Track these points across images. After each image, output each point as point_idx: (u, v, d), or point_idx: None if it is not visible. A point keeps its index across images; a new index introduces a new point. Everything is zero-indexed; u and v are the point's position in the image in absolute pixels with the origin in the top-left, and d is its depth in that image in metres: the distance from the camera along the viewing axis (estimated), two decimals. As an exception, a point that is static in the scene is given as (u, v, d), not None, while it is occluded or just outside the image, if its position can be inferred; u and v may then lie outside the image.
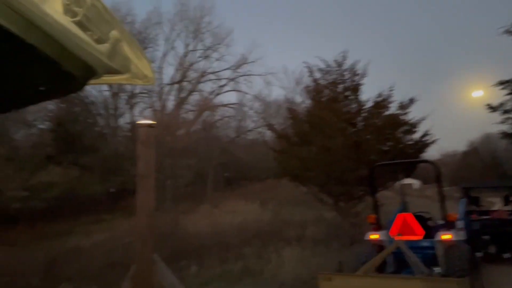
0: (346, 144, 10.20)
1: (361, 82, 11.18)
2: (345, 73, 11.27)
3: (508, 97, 7.38)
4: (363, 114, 11.17)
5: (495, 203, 11.40)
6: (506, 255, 8.82)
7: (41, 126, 21.31)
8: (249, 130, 28.03)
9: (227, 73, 28.72)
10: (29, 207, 16.76)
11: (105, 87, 25.01)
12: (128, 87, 25.31)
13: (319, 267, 6.92)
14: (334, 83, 11.28)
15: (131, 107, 25.81)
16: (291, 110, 12.28)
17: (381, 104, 10.94)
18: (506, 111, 7.63)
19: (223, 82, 28.49)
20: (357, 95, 11.18)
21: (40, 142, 18.87)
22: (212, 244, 10.86)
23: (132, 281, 3.23)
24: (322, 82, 11.60)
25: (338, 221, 12.08)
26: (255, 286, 6.65)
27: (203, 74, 27.96)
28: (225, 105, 27.82)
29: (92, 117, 24.51)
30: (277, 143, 13.05)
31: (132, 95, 25.67)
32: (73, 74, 0.93)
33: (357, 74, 11.15)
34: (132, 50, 1.03)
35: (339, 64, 11.29)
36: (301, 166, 10.91)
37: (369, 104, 11.22)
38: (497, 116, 7.99)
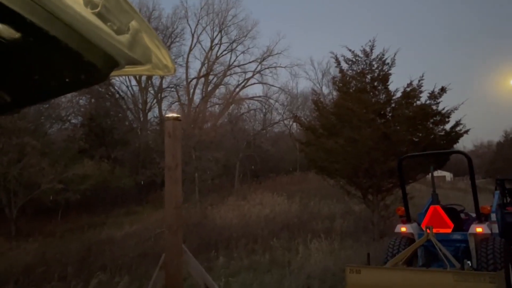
0: (374, 135, 10.00)
1: (389, 71, 10.90)
2: (373, 62, 11.01)
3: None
4: (392, 105, 10.90)
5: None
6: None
7: (74, 121, 22.05)
8: (275, 123, 28.00)
9: (253, 66, 28.74)
10: (64, 199, 17.44)
11: (134, 82, 25.59)
12: (156, 82, 25.79)
13: (347, 260, 6.88)
14: (361, 74, 11.06)
15: (159, 101, 26.28)
16: (318, 102, 12.14)
17: (411, 94, 10.63)
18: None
19: (248, 75, 28.53)
20: (386, 85, 10.91)
21: (73, 136, 19.54)
22: (240, 236, 10.99)
23: (162, 270, 3.31)
24: (349, 72, 11.40)
25: (366, 214, 11.93)
26: (283, 277, 6.68)
27: (229, 67, 28.07)
28: (251, 98, 27.87)
29: (122, 112, 25.15)
30: (303, 135, 12.96)
31: (160, 90, 26.12)
32: (95, 65, 0.96)
33: (386, 64, 10.87)
34: (152, 41, 1.05)
35: (367, 54, 11.04)
36: (328, 158, 10.80)
37: (399, 94, 10.95)
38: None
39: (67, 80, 1.05)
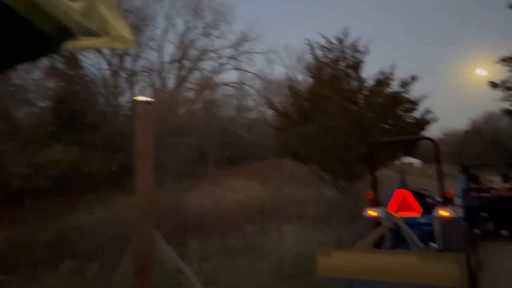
0: (347, 122, 10.19)
1: (362, 59, 11.07)
2: (346, 50, 11.15)
3: (511, 73, 7.33)
4: (365, 92, 11.11)
5: (495, 181, 11.44)
6: (504, 232, 8.93)
7: (42, 105, 21.29)
8: (250, 109, 27.98)
9: (228, 51, 28.44)
10: (32, 184, 16.93)
11: (104, 65, 24.86)
12: (128, 65, 25.15)
13: (319, 244, 7.03)
14: (335, 61, 11.18)
15: (131, 85, 25.69)
16: (292, 88, 12.22)
17: (382, 82, 10.86)
18: (508, 88, 7.59)
19: (223, 60, 28.25)
20: (358, 73, 11.10)
21: (41, 120, 18.89)
22: (213, 221, 11.02)
23: (132, 256, 3.29)
24: (323, 59, 11.50)
25: (338, 199, 12.20)
26: (256, 261, 6.77)
27: (204, 52, 27.69)
28: (226, 84, 27.69)
29: (93, 96, 24.45)
30: (278, 122, 13.03)
31: (132, 74, 25.51)
32: (47, 34, 0.91)
33: (359, 52, 11.03)
34: (109, 10, 0.99)
35: (341, 41, 11.16)
36: (302, 144, 10.93)
37: (371, 82, 11.15)
38: (499, 94, 7.95)
39: (16, 50, 0.99)
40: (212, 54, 28.08)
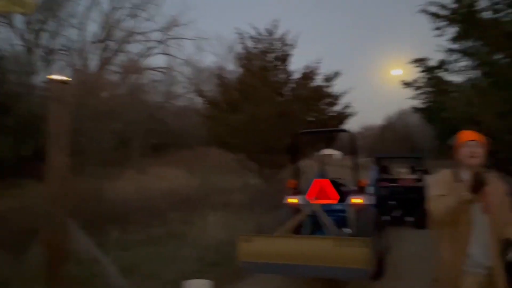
0: (274, 113, 10.45)
1: (290, 52, 11.38)
2: (275, 42, 11.38)
3: (421, 74, 8.09)
4: (291, 85, 11.46)
5: (403, 172, 12.55)
6: (409, 219, 9.86)
7: None
8: (179, 96, 27.37)
9: (157, 35, 27.42)
10: None
11: (17, 41, 22.61)
12: (44, 42, 23.11)
13: (242, 231, 7.16)
14: (264, 52, 11.37)
15: (48, 64, 23.70)
16: (222, 77, 12.20)
17: (308, 75, 11.29)
18: (418, 87, 8.36)
19: (151, 44, 27.20)
20: (286, 65, 11.41)
21: None
22: (136, 210, 10.67)
23: (42, 246, 3.10)
24: (253, 50, 11.62)
25: (262, 188, 12.52)
26: (179, 249, 6.73)
27: (130, 34, 26.39)
28: (153, 69, 26.72)
29: (3, 74, 22.14)
30: (207, 110, 12.95)
31: (50, 52, 23.53)
32: None
33: (287, 45, 11.32)
34: None
35: (270, 33, 11.36)
36: (230, 134, 11.01)
37: (297, 75, 11.53)
38: (410, 92, 8.72)
39: None
40: (139, 37, 26.88)
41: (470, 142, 2.64)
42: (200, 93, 13.87)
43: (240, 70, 12.25)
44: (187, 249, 6.70)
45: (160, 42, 27.17)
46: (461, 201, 2.46)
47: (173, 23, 27.13)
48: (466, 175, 2.58)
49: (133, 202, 11.80)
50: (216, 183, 15.15)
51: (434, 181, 2.77)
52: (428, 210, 2.65)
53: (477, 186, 2.45)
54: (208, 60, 57.31)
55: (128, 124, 19.87)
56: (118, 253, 6.36)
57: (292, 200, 5.98)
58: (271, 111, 10.42)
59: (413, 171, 11.06)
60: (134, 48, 27.06)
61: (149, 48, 27.03)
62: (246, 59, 11.62)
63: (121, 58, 25.88)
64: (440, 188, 2.63)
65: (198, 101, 18.15)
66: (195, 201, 11.29)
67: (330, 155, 41.24)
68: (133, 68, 24.64)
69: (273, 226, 5.72)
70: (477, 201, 2.50)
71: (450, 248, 2.63)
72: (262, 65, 11.25)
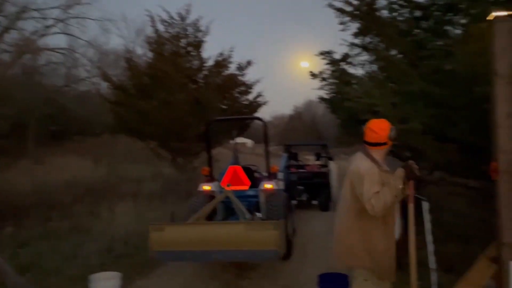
0: (187, 100, 10.27)
1: (203, 39, 11.24)
2: (188, 28, 11.13)
3: (327, 66, 8.58)
4: (204, 72, 11.35)
5: (310, 160, 13.30)
6: (315, 202, 10.52)
7: None
8: (82, 80, 25.36)
9: (56, 13, 24.96)
10: None
11: None
12: None
13: (154, 221, 6.97)
14: (176, 37, 11.06)
15: None
16: (130, 61, 11.59)
17: (221, 63, 11.27)
18: (324, 79, 8.86)
19: (49, 22, 24.69)
20: (199, 52, 11.25)
21: None
22: (34, 203, 9.74)
23: None
24: (164, 34, 11.23)
25: (175, 176, 12.29)
26: (84, 243, 6.32)
27: (24, 9, 23.64)
28: (51, 49, 24.31)
29: None
30: (114, 95, 12.22)
31: None
32: None
33: (200, 31, 11.15)
34: None
35: (182, 18, 11.07)
36: (140, 120, 10.55)
37: (211, 62, 11.44)
38: (317, 83, 9.20)
39: None
40: (35, 14, 24.21)
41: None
42: (105, 77, 13.03)
43: (151, 54, 11.76)
44: (93, 242, 6.32)
45: (59, 20, 24.76)
46: (398, 194, 2.68)
47: (74, 1, 24.88)
48: (384, 165, 2.85)
49: (30, 195, 10.74)
50: (125, 172, 14.47)
51: (367, 175, 2.75)
52: (369, 207, 2.66)
53: (410, 177, 2.72)
54: (114, 42, 53.89)
55: (23, 109, 17.91)
56: (13, 250, 5.78)
57: (206, 187, 5.97)
58: (184, 98, 10.22)
59: (318, 158, 11.77)
60: (28, 25, 24.32)
61: (47, 27, 24.49)
62: (157, 43, 11.19)
63: (13, 35, 23.06)
64: (375, 182, 2.70)
65: (104, 85, 17.07)
66: (102, 192, 10.66)
67: (243, 143, 42.07)
68: (28, 47, 22.16)
69: (187, 214, 5.66)
70: (406, 192, 2.76)
71: (382, 238, 2.82)
72: (174, 50, 10.94)
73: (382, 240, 2.80)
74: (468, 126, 4.03)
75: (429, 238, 4.59)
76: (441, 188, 8.25)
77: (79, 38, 25.39)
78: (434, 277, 4.39)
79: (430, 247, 4.59)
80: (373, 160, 2.87)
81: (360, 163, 2.85)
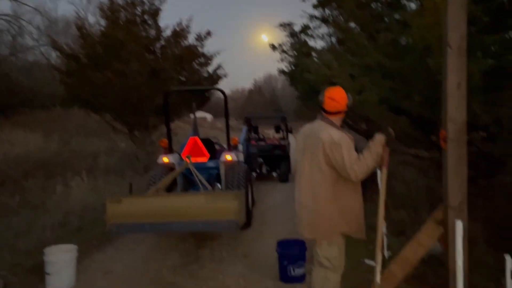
0: (144, 71, 9.90)
1: (160, 7, 10.79)
2: (143, -6, 10.62)
3: (287, 38, 8.58)
4: (162, 42, 10.96)
5: (270, 133, 13.42)
6: (274, 174, 10.70)
7: None
8: (29, 48, 23.77)
9: (-3, -26, 22.96)
10: None
11: None
12: None
13: (111, 195, 6.82)
14: (132, 4, 10.53)
15: None
16: (82, 28, 10.93)
17: (180, 33, 10.92)
18: (284, 51, 8.87)
19: (-9, -16, 22.71)
20: (156, 21, 10.81)
21: None
22: (-22, 179, 9.20)
23: None
24: (119, 1, 10.66)
25: (133, 150, 11.99)
26: (37, 218, 6.08)
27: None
28: (-6, 15, 22.51)
29: None
30: (65, 65, 11.55)
31: None
32: None
33: (157, -2, 10.68)
34: None
35: (138, -16, 10.54)
36: (93, 92, 10.09)
37: (168, 32, 11.06)
38: (277, 56, 9.20)
39: None
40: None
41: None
42: (55, 45, 12.26)
43: (104, 22, 11.14)
44: (47, 217, 6.10)
45: (1, -18, 22.82)
46: (377, 159, 2.80)
47: (18, -38, 22.97)
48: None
49: (-26, 171, 10.12)
50: (79, 146, 13.92)
51: (344, 143, 2.83)
52: (352, 173, 2.76)
53: (388, 143, 2.85)
54: (64, 9, 50.50)
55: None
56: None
57: (165, 159, 5.88)
58: (140, 69, 9.85)
59: (278, 130, 11.91)
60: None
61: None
62: (111, 10, 10.60)
63: None
64: (352, 149, 2.82)
65: (54, 55, 16.11)
66: (55, 167, 10.22)
67: (203, 118, 41.67)
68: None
69: (146, 187, 5.57)
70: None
71: (356, 199, 2.97)
72: (129, 18, 10.43)
73: (357, 201, 2.97)
74: (421, 98, 4.19)
75: (381, 204, 4.83)
76: (394, 159, 8.64)
77: (25, 4, 23.58)
78: (385, 241, 4.64)
79: (382, 213, 4.83)
80: (339, 128, 2.94)
81: (331, 132, 2.87)
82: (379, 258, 2.98)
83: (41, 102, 20.75)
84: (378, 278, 2.96)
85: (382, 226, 3.01)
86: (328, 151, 2.82)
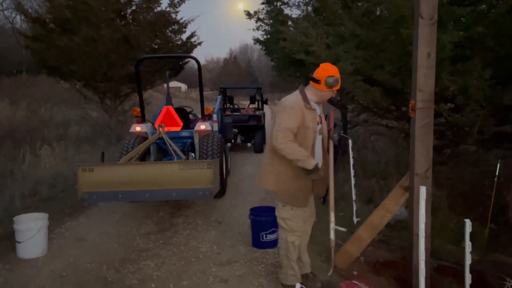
0: (114, 37, 9.53)
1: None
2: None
3: (263, 6, 8.41)
4: (133, 7, 10.53)
5: (246, 104, 13.36)
6: (249, 144, 10.75)
7: None
8: (-9, 12, 22.43)
9: None
10: None
11: None
12: None
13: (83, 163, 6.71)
14: (100, -35, 9.98)
15: None
16: (48, -10, 10.30)
17: (152, -2, 10.49)
18: (259, 19, 8.70)
19: None
20: (127, -16, 10.32)
21: None
22: None
23: None
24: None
25: (104, 120, 11.73)
26: (3, 187, 5.93)
27: None
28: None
29: None
30: (31, 30, 10.95)
31: None
32: None
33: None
34: None
35: None
36: (62, 58, 9.68)
37: (140, -4, 10.60)
38: (253, 24, 9.05)
39: None
40: None
41: (335, 90, 2.94)
42: (20, 8, 11.58)
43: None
44: (15, 186, 5.95)
45: None
46: (297, 164, 2.83)
47: None
48: (316, 106, 2.97)
49: None
50: (48, 115, 13.50)
51: (289, 108, 2.86)
52: (274, 136, 2.81)
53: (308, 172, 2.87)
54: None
55: None
56: None
57: (138, 128, 5.79)
58: (112, 35, 9.46)
59: (254, 101, 11.87)
60: None
61: None
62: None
63: None
64: (292, 119, 2.82)
65: (19, 19, 15.27)
66: (23, 136, 9.89)
67: (177, 87, 40.93)
68: None
69: (119, 156, 5.49)
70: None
71: (290, 166, 2.97)
72: (99, -19, 9.90)
73: (290, 168, 2.92)
74: (393, 68, 4.25)
75: (351, 173, 4.97)
76: (367, 129, 8.84)
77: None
78: (354, 208, 4.81)
79: (352, 181, 4.98)
80: (304, 97, 2.94)
81: (290, 97, 2.96)
82: (332, 217, 3.14)
83: (6, 68, 19.83)
84: (332, 235, 3.15)
85: (332, 191, 3.13)
86: (275, 113, 2.98)
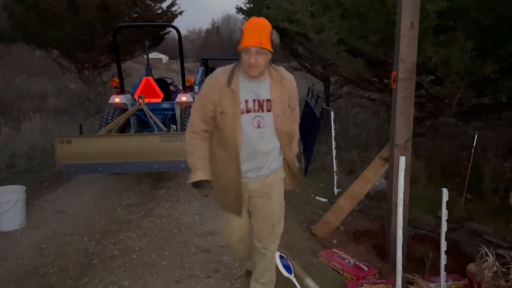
0: (93, 4, 9.14)
1: None
2: None
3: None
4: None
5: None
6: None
7: None
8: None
9: None
10: None
11: None
12: None
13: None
14: None
15: None
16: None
17: (130, -37, 10.07)
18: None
19: None
20: None
21: None
22: None
23: None
24: None
25: (83, 91, 11.42)
26: (-21, 160, 5.77)
27: None
28: None
29: None
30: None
31: None
32: None
33: None
34: None
35: None
36: (43, 22, 9.25)
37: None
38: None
39: None
40: None
41: (252, 49, 2.01)
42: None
43: None
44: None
45: None
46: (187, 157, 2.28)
47: None
48: (241, 80, 2.13)
49: None
50: (24, 87, 13.06)
51: (202, 88, 2.22)
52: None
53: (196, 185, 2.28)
54: None
55: None
56: None
57: (117, 99, 5.65)
58: (92, 1, 9.06)
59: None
60: None
61: None
62: None
63: None
64: (199, 101, 2.19)
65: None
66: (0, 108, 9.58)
67: (158, 59, 39.99)
68: None
69: (97, 128, 5.37)
70: None
71: (220, 163, 2.33)
72: None
73: (221, 162, 2.24)
74: (376, 38, 4.21)
75: (333, 145, 4.99)
76: (349, 102, 8.86)
77: None
78: (335, 179, 4.86)
79: (334, 153, 5.01)
80: (231, 73, 2.14)
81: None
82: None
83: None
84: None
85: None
86: None
